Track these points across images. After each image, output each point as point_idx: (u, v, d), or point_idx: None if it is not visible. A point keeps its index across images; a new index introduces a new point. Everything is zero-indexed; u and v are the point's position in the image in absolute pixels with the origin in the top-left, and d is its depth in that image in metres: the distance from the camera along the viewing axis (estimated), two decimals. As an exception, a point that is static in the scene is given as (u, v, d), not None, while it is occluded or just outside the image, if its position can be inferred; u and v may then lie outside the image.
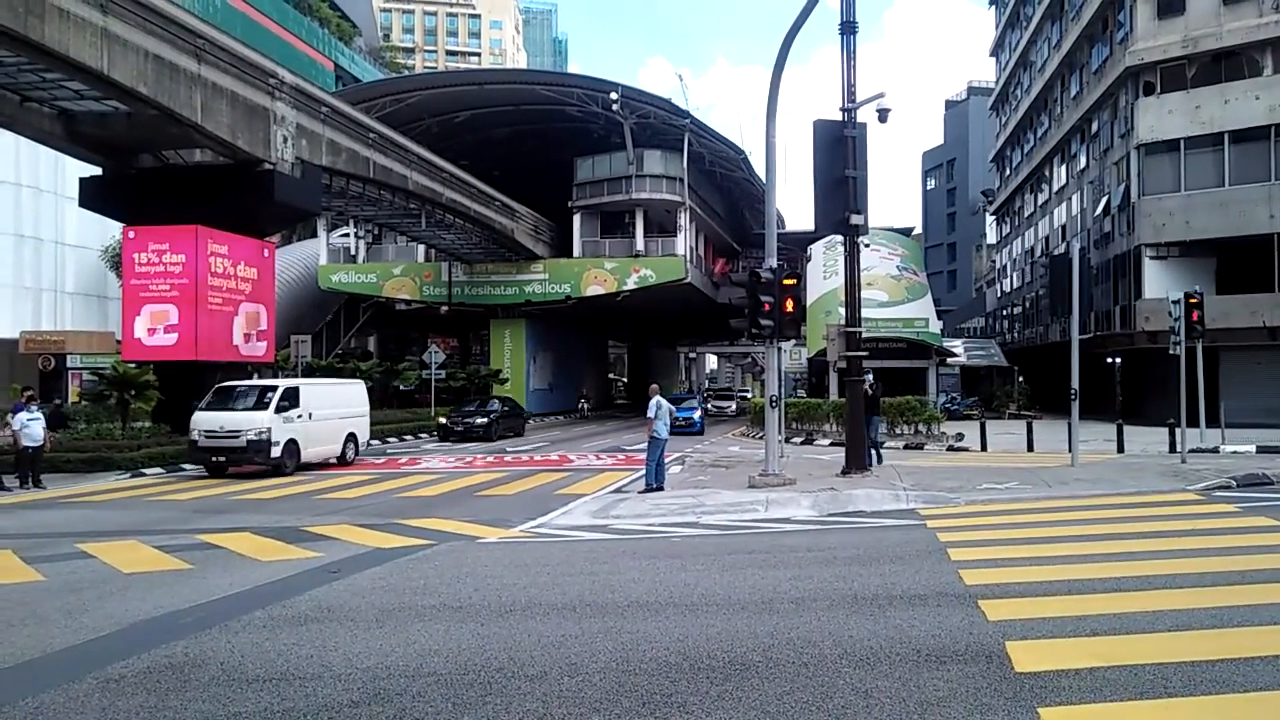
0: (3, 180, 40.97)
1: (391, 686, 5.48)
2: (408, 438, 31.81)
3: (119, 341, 27.91)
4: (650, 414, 15.93)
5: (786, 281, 15.53)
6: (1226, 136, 30.28)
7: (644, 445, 17.42)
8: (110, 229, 37.22)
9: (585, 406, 50.52)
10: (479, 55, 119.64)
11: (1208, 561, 8.45)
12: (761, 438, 21.53)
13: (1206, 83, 30.94)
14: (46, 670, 6.01)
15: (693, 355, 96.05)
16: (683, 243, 44.42)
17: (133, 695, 5.41)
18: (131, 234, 23.68)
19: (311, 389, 21.33)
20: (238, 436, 19.09)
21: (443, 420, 31.29)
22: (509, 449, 27.16)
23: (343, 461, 21.81)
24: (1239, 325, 28.93)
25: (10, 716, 5.11)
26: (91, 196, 25.04)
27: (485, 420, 30.98)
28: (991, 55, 60.29)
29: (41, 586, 8.70)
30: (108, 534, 11.87)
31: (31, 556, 10.11)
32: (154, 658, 6.18)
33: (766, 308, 15.22)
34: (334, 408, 21.93)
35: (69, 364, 36.61)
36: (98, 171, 24.84)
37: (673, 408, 17.12)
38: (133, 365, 23.11)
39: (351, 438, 22.34)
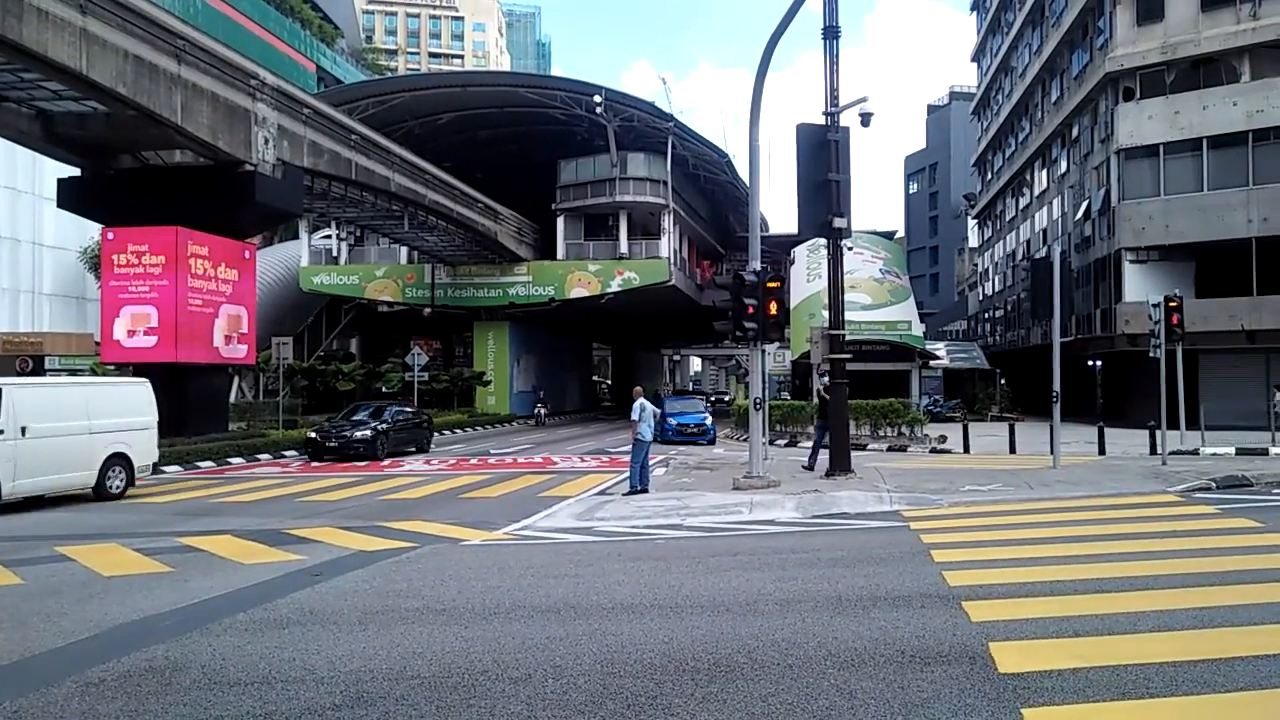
0: (-20, 181, 40.63)
1: (374, 689, 5.45)
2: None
3: (98, 343, 27.70)
4: (634, 416, 15.92)
5: (770, 284, 15.55)
6: (1205, 142, 30.57)
7: (628, 448, 17.40)
8: (89, 230, 36.97)
9: (543, 413, 44.73)
10: (462, 57, 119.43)
11: (1188, 562, 8.52)
12: (745, 440, 21.57)
13: (1185, 89, 31.24)
14: (25, 674, 5.94)
15: (677, 358, 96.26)
16: (667, 245, 44.45)
17: (113, 699, 5.36)
18: (110, 235, 23.49)
19: (28, 393, 14.98)
20: None
21: (311, 434, 24.38)
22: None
23: (103, 493, 15.83)
24: (1218, 329, 29.21)
25: (-13, 722, 5.05)
26: (70, 197, 24.82)
27: (369, 434, 24.00)
28: (973, 60, 60.68)
29: (20, 589, 8.61)
30: (87, 537, 11.75)
31: (10, 560, 10.00)
32: (134, 661, 6.12)
33: (750, 310, 15.24)
34: (80, 419, 15.49)
35: (47, 365, 36.35)
36: (76, 172, 24.63)
37: (656, 410, 17.04)
38: (112, 367, 22.92)
39: (119, 460, 16.18)
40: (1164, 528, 10.59)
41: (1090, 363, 34.31)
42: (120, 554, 10.41)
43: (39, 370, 36.08)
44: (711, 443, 28.49)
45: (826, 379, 22.39)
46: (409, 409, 27.91)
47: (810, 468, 18.21)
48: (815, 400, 18.24)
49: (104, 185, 24.13)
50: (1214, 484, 14.57)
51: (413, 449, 26.54)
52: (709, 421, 29.28)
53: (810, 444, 26.37)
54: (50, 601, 8.00)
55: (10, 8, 16.95)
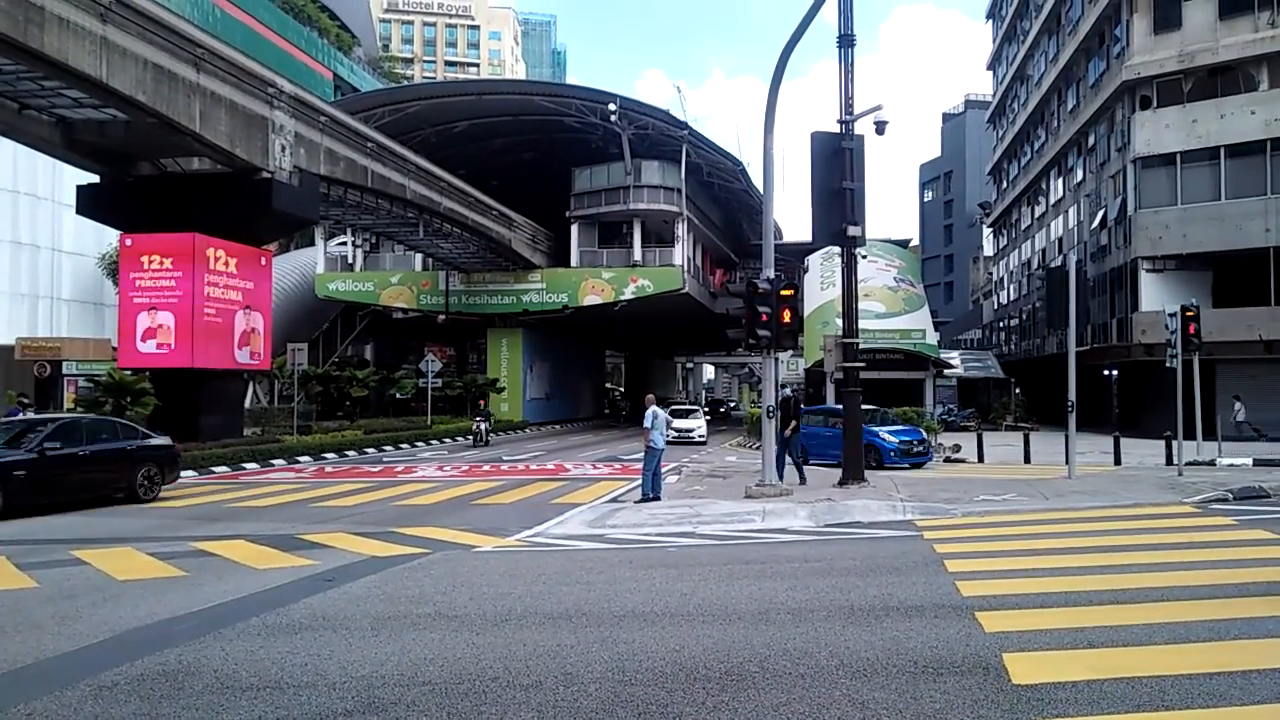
0: (0, 187, 41.00)
1: (386, 695, 5.45)
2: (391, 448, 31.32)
3: (115, 348, 27.89)
4: (646, 424, 15.91)
5: (784, 292, 15.54)
6: (1223, 150, 30.40)
7: (640, 455, 17.40)
8: (107, 236, 37.30)
9: (485, 428, 33.66)
10: (478, 66, 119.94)
11: (1205, 574, 8.44)
12: (758, 448, 21.51)
13: (1203, 97, 31.08)
14: (39, 677, 5.97)
15: (690, 365, 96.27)
16: (680, 253, 44.50)
17: (126, 703, 5.38)
18: (128, 241, 23.71)
19: None
20: None
21: None
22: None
23: None
24: (1235, 338, 29.00)
25: (2, 724, 5.07)
26: (89, 204, 25.05)
27: None
28: (989, 69, 60.58)
29: (35, 593, 8.66)
30: (102, 541, 11.81)
31: (25, 563, 10.06)
32: (147, 665, 6.14)
33: (764, 318, 15.23)
34: None
35: (65, 370, 36.57)
36: (95, 179, 24.87)
37: (668, 417, 16.88)
38: (129, 372, 23.07)
39: None
40: (1180, 539, 10.50)
41: (1106, 372, 34.11)
42: (135, 558, 10.46)
43: (56, 375, 36.33)
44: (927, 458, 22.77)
45: (788, 389, 21.85)
46: (88, 419, 17.14)
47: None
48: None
49: (122, 192, 24.34)
50: (1231, 495, 14.42)
51: (120, 495, 16.02)
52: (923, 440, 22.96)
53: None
54: (65, 605, 8.05)
55: (32, 16, 17.15)
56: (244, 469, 22.72)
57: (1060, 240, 42.68)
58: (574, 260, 45.53)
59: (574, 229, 45.74)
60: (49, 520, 14.21)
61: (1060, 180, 43.21)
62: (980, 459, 23.01)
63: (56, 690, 5.61)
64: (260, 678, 5.84)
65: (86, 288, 45.90)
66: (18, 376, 34.49)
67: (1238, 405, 28.40)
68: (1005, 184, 56.80)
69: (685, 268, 44.41)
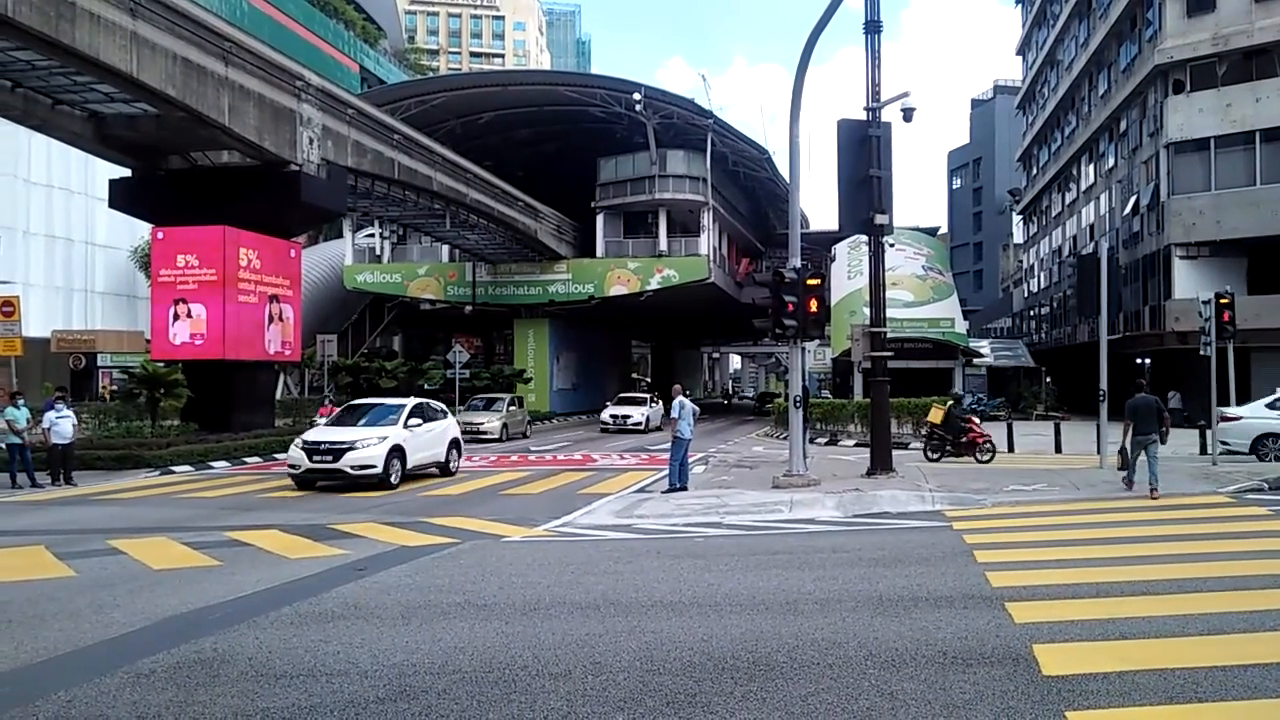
0: (35, 182, 41.59)
1: (417, 683, 5.52)
2: None
3: (148, 341, 28.25)
4: (674, 414, 15.92)
5: (810, 281, 15.47)
6: (1258, 135, 29.87)
7: (667, 445, 17.42)
8: (139, 230, 37.70)
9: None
10: (503, 57, 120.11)
11: (1239, 565, 8.35)
12: (785, 438, 21.47)
13: (1237, 81, 30.54)
14: (78, 665, 6.09)
15: (716, 355, 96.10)
16: (706, 243, 44.35)
17: (162, 690, 5.48)
18: (160, 234, 23.98)
19: None
20: None
21: None
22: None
23: None
24: (1271, 326, 28.48)
25: (43, 710, 5.18)
26: (121, 198, 25.35)
27: None
28: (1018, 54, 59.87)
29: (73, 582, 8.81)
30: (138, 530, 11.99)
31: (63, 552, 10.23)
32: (183, 653, 6.24)
33: (790, 308, 15.17)
34: None
35: (99, 363, 37.14)
36: (127, 173, 25.14)
37: (696, 408, 16.87)
38: (162, 364, 23.37)
39: None
40: (1214, 529, 10.39)
41: (1138, 361, 33.68)
42: (169, 548, 10.61)
43: (91, 367, 36.92)
44: None
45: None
46: None
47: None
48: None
49: (153, 186, 24.59)
50: (1266, 485, 14.26)
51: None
52: None
53: (853, 443, 26.29)
54: (102, 594, 8.18)
55: (63, 12, 17.34)
56: (275, 459, 22.92)
57: (1091, 227, 42.16)
58: (599, 250, 45.50)
59: (599, 219, 45.70)
60: (86, 509, 14.46)
61: (1091, 166, 42.66)
62: (1010, 449, 22.79)
63: (95, 678, 5.72)
64: (294, 666, 5.92)
65: (120, 280, 46.49)
66: (53, 369, 35.02)
67: (1173, 394, 28.15)
68: (1035, 170, 56.16)
69: (711, 257, 44.26)
